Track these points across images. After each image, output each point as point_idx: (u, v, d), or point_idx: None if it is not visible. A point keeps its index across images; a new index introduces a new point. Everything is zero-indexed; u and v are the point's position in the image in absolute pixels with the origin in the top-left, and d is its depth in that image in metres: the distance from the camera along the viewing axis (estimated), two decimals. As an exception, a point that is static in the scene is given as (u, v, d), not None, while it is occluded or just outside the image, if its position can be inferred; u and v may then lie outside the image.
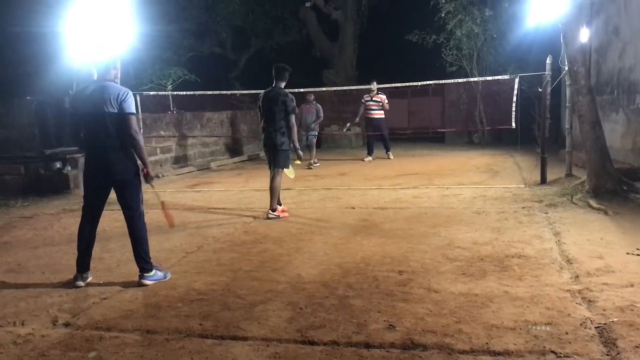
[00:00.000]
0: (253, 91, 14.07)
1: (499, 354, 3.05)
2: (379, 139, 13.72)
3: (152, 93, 12.47)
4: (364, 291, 4.15)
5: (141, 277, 4.48)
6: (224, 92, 12.88)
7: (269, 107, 7.01)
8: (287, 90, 7.09)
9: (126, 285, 4.52)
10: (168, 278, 4.59)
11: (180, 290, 4.35)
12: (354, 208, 7.48)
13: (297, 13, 20.52)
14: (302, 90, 13.18)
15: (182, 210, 7.83)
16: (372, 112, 13.44)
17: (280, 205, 7.26)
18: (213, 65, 19.96)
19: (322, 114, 13.06)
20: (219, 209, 7.80)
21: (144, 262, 4.51)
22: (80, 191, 9.59)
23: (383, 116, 13.42)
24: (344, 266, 4.80)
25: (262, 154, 13.38)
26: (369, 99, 13.43)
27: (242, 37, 20.84)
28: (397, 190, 8.83)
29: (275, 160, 7.09)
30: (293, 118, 7.03)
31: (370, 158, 13.49)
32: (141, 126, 11.24)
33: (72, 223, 6.96)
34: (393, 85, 12.11)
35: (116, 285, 4.51)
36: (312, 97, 13.13)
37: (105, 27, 9.37)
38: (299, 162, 7.26)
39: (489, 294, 3.96)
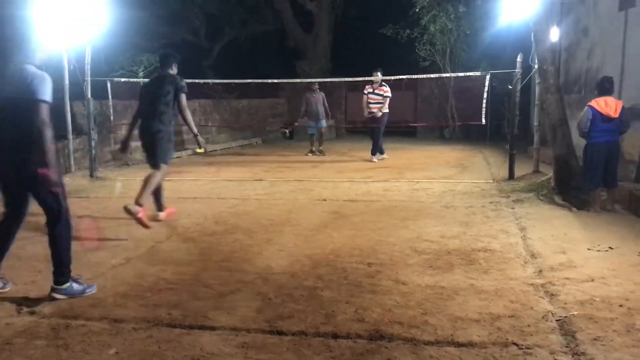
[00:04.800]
0: (227, 80, 14.01)
1: (463, 345, 3.13)
2: (370, 134, 12.26)
3: (123, 80, 12.24)
4: (332, 282, 4.19)
5: (52, 288, 3.92)
6: (196, 80, 12.71)
7: (150, 93, 6.23)
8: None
9: (94, 274, 4.47)
10: (90, 293, 4.00)
11: (148, 279, 4.33)
12: (325, 200, 7.51)
13: (272, 3, 20.40)
14: (275, 80, 13.17)
15: (151, 198, 7.74)
16: (374, 105, 11.81)
17: (162, 210, 6.45)
18: (186, 53, 19.63)
19: (326, 103, 13.11)
20: (189, 198, 7.76)
21: (58, 272, 3.91)
22: None
23: (386, 111, 11.77)
24: (314, 257, 4.83)
25: (234, 144, 13.41)
26: (371, 90, 11.84)
27: (216, 26, 20.62)
28: (368, 183, 8.90)
29: (154, 153, 6.22)
30: (184, 99, 6.18)
31: (383, 156, 12.05)
32: (111, 113, 11.08)
33: (39, 210, 6.85)
34: (366, 78, 12.13)
35: (83, 274, 4.45)
36: (316, 85, 13.10)
37: (76, 11, 9.18)
38: (201, 150, 6.69)
39: (455, 287, 4.04)
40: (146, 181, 6.03)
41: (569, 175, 7.34)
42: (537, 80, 8.39)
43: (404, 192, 8.02)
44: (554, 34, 7.97)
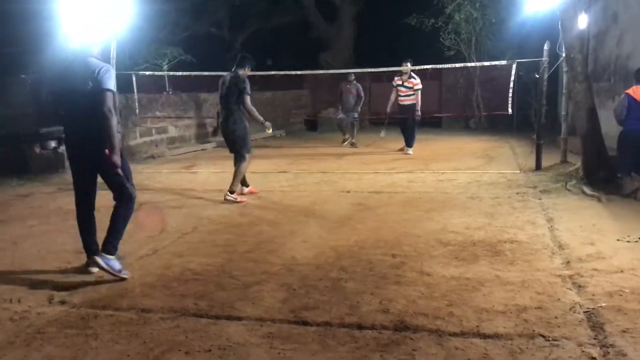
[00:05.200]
0: (250, 72, 14.01)
1: (488, 336, 3.10)
2: (404, 126, 11.75)
3: (147, 73, 12.38)
4: (357, 274, 4.19)
5: (99, 254, 4.17)
6: (220, 73, 12.77)
7: (223, 91, 7.11)
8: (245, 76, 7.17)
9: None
10: (123, 276, 4.18)
11: (175, 270, 4.38)
12: (349, 192, 7.51)
13: (295, -6, 20.37)
14: (299, 72, 13.16)
15: (177, 191, 7.84)
16: (403, 98, 11.52)
17: (248, 186, 7.43)
18: (209, 45, 19.79)
19: (362, 94, 13.09)
20: (215, 190, 7.81)
21: (109, 243, 4.20)
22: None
23: (415, 102, 11.44)
24: (338, 249, 4.84)
25: (257, 136, 13.46)
26: (400, 82, 11.53)
27: (239, 18, 20.67)
28: (392, 175, 8.86)
29: (235, 147, 7.17)
30: (248, 99, 7.01)
31: (408, 150, 11.57)
32: (137, 106, 11.21)
33: (67, 202, 6.98)
34: (390, 68, 12.04)
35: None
36: (353, 76, 13.04)
37: (101, 5, 9.28)
38: (269, 131, 7.40)
39: (481, 278, 4.01)
40: (236, 172, 7.06)
41: (598, 165, 7.22)
42: (565, 69, 8.24)
43: (428, 184, 7.97)
44: (582, 21, 7.81)
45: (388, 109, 11.95)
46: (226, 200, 6.87)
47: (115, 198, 4.29)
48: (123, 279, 4.16)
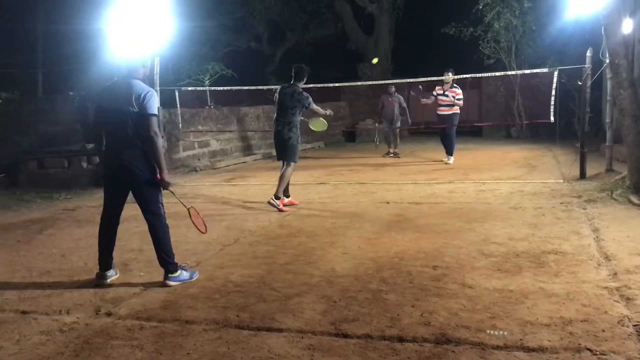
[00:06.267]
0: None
1: (533, 350, 3.05)
2: (443, 136, 11.72)
3: (190, 88, 12.67)
4: (397, 286, 4.17)
5: (165, 277, 4.40)
6: (260, 87, 12.97)
7: (282, 101, 7.35)
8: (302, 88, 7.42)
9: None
10: (195, 278, 4.48)
11: (217, 282, 4.45)
12: (388, 203, 7.48)
13: (333, 6, 20.51)
14: (337, 84, 13.22)
15: (219, 203, 7.97)
16: (444, 108, 11.42)
17: (289, 196, 7.54)
18: (249, 60, 20.13)
19: (404, 104, 13.20)
20: (255, 202, 7.91)
21: (167, 264, 4.41)
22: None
23: (457, 111, 11.37)
24: (378, 261, 4.83)
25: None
26: (442, 92, 11.43)
27: (278, 32, 20.97)
28: (432, 185, 8.79)
29: (286, 154, 7.39)
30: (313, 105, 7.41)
31: (448, 159, 11.47)
32: (179, 121, 11.45)
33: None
34: (429, 79, 11.98)
35: (156, 277, 4.62)
36: (393, 89, 13.14)
37: (145, 23, 9.56)
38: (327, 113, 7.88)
39: (524, 290, 3.94)
40: (281, 177, 7.30)
41: (646, 173, 7.00)
42: (609, 75, 8.05)
43: (469, 194, 7.87)
44: (627, 26, 7.62)
45: (423, 115, 12.08)
46: (269, 204, 7.11)
47: (149, 221, 4.42)
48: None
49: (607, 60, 7.86)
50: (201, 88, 13.87)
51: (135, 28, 9.66)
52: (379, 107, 13.50)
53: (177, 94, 11.30)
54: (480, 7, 15.32)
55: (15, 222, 7.21)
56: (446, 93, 11.35)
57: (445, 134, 11.58)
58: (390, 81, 14.56)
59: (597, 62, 8.66)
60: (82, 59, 13.43)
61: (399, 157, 12.90)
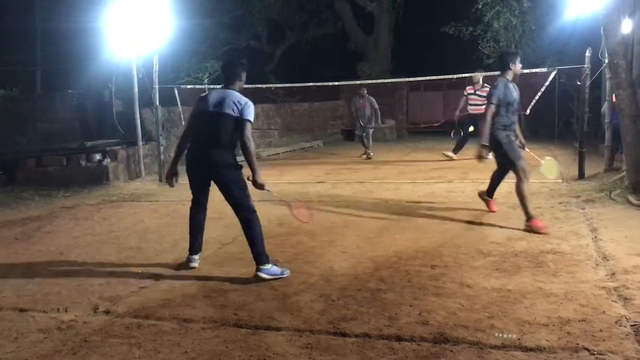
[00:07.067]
0: (288, 84, 14.18)
1: (531, 349, 3.05)
2: (457, 134, 11.81)
3: (189, 87, 12.64)
4: (395, 285, 4.18)
5: (257, 269, 4.45)
6: (259, 85, 12.97)
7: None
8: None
9: (163, 275, 4.65)
10: (286, 275, 4.47)
11: (215, 280, 4.45)
12: (387, 202, 7.48)
13: (332, 5, 20.50)
14: (336, 83, 13.22)
15: (217, 202, 7.94)
16: (475, 107, 11.25)
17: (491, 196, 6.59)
18: (249, 58, 20.05)
19: (376, 105, 13.12)
20: (254, 201, 7.87)
21: (262, 256, 4.51)
22: (119, 182, 9.87)
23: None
24: (377, 260, 4.83)
25: (296, 147, 13.53)
26: (472, 92, 11.40)
27: (277, 30, 20.95)
28: (431, 185, 8.79)
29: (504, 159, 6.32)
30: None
31: (451, 155, 11.69)
32: (182, 119, 11.43)
33: (112, 214, 7.17)
34: (428, 78, 11.99)
35: (154, 275, 4.63)
36: (364, 90, 13.11)
37: (144, 21, 9.57)
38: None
39: (522, 290, 3.94)
40: (518, 194, 5.91)
41: (644, 173, 7.01)
42: (608, 75, 8.06)
43: (468, 194, 7.87)
44: (626, 26, 7.62)
45: (456, 114, 11.74)
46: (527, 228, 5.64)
47: (240, 216, 4.65)
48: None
49: (607, 60, 7.86)
50: (200, 86, 13.86)
51: (134, 26, 9.67)
52: (354, 111, 13.42)
53: (176, 92, 11.28)
54: (480, 7, 15.29)
55: (14, 219, 7.21)
56: (477, 92, 11.31)
57: (464, 132, 11.60)
58: (389, 80, 14.58)
59: (597, 62, 8.66)
60: (81, 57, 13.41)
61: (370, 158, 12.73)
